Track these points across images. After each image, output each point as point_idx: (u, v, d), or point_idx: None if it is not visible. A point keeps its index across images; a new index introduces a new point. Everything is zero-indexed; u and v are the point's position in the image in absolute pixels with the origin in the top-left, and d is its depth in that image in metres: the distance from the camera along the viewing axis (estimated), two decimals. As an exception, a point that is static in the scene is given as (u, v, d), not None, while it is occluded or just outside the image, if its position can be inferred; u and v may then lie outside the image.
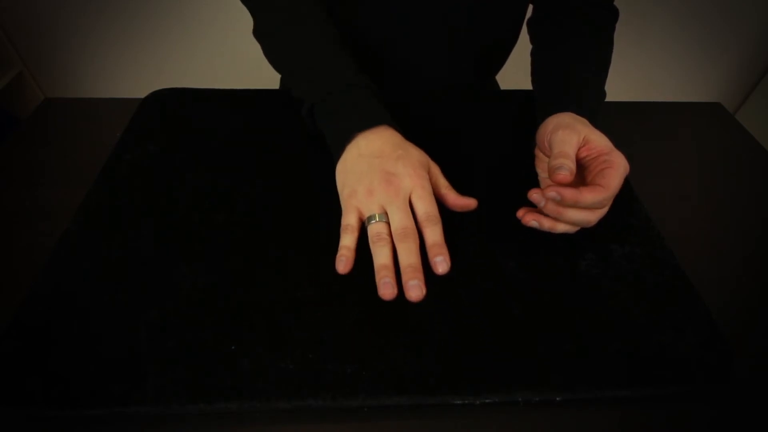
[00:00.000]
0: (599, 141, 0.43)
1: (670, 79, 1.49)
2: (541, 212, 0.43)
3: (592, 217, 0.42)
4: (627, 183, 0.52)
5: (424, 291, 0.38)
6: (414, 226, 0.40)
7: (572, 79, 0.51)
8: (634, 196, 0.51)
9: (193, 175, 0.50)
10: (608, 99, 0.54)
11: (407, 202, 0.41)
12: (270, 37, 0.54)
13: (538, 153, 0.50)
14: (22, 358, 0.34)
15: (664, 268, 0.43)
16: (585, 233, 0.44)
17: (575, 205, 0.41)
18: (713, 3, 1.31)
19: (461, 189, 0.44)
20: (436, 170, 0.45)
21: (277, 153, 0.53)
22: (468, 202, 0.44)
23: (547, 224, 0.43)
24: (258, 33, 0.55)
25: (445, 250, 0.40)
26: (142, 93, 0.62)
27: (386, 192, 0.41)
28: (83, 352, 0.35)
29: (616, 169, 0.41)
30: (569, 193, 0.40)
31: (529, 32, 0.63)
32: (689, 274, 0.43)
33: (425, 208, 0.41)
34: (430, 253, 0.40)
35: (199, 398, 0.33)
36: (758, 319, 0.43)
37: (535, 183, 0.50)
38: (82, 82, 1.41)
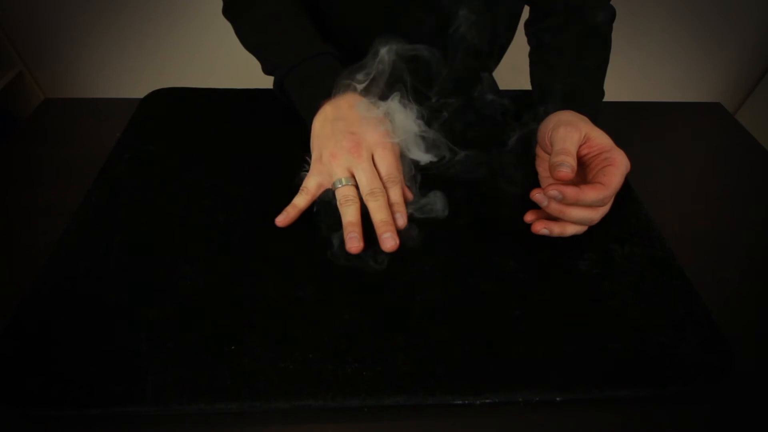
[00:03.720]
0: (600, 138, 0.43)
1: (670, 79, 1.49)
2: (547, 217, 0.44)
3: (594, 215, 0.42)
4: (627, 183, 0.52)
5: (397, 241, 0.41)
6: (380, 185, 0.43)
7: (571, 78, 0.51)
8: (634, 196, 0.51)
9: (192, 174, 0.50)
10: (608, 99, 0.54)
11: (371, 162, 0.43)
12: (238, 16, 0.55)
13: (539, 152, 0.50)
14: (22, 358, 0.34)
15: (664, 268, 0.43)
16: (585, 233, 0.44)
17: (577, 203, 0.41)
18: (713, 3, 1.31)
19: (461, 188, 0.44)
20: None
21: (277, 152, 0.53)
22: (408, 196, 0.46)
23: (557, 230, 0.43)
24: (227, 11, 0.56)
25: (403, 208, 0.43)
26: (142, 93, 0.62)
27: (350, 153, 0.43)
28: (83, 352, 0.35)
29: (617, 166, 0.41)
30: (571, 191, 0.40)
31: (527, 33, 0.63)
32: (689, 274, 0.43)
33: (386, 169, 0.44)
34: (391, 209, 0.43)
35: (199, 398, 0.33)
36: (758, 319, 0.43)
37: (535, 182, 0.50)
38: (82, 82, 1.41)
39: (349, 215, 0.42)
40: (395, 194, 0.44)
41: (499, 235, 0.45)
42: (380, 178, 0.43)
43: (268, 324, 0.37)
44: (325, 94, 0.47)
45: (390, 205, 0.43)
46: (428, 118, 0.48)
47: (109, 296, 0.38)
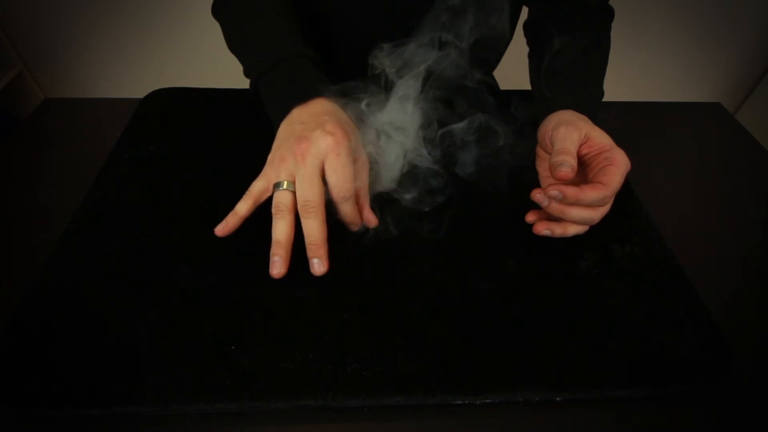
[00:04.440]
0: (600, 138, 0.43)
1: (670, 79, 1.49)
2: (549, 218, 0.44)
3: (595, 215, 0.42)
4: (627, 183, 0.52)
5: (325, 267, 0.39)
6: (317, 198, 0.39)
7: (571, 78, 0.51)
8: (634, 196, 0.51)
9: (192, 174, 0.50)
10: (608, 99, 0.54)
11: (316, 170, 0.39)
12: (220, 16, 0.54)
13: (540, 152, 0.50)
14: (22, 358, 0.34)
15: (664, 268, 0.43)
16: (585, 233, 0.44)
17: (577, 203, 0.41)
18: (713, 3, 1.31)
19: (460, 189, 0.44)
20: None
21: (277, 153, 0.52)
22: (368, 219, 0.44)
23: (558, 230, 0.43)
24: (214, 11, 0.56)
25: (357, 220, 0.42)
26: (142, 93, 0.62)
27: (294, 158, 0.40)
28: (83, 352, 0.35)
29: (617, 166, 0.41)
30: (571, 191, 0.40)
31: (526, 34, 0.63)
32: (689, 274, 0.43)
33: (336, 181, 0.39)
34: (344, 222, 0.42)
35: (199, 398, 0.33)
36: (758, 319, 0.43)
37: (535, 182, 0.50)
38: (82, 82, 1.41)
39: (278, 232, 0.39)
40: (346, 210, 0.41)
41: (499, 235, 0.45)
42: (331, 191, 0.40)
43: (268, 324, 0.37)
44: (294, 98, 0.45)
45: (341, 218, 0.41)
46: (427, 118, 0.48)
47: (109, 296, 0.38)
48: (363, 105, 0.46)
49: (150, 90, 0.62)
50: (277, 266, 0.39)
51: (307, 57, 0.48)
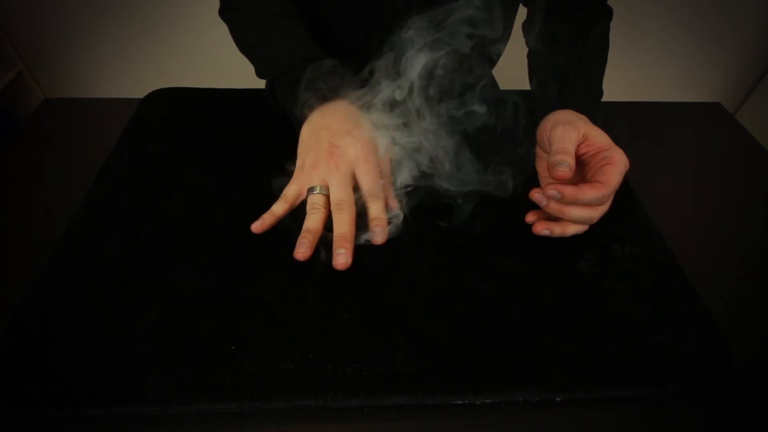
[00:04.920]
0: (599, 137, 0.43)
1: (670, 79, 1.49)
2: (548, 218, 0.44)
3: (594, 214, 0.42)
4: (627, 183, 0.52)
5: (349, 260, 0.40)
6: (350, 199, 0.42)
7: (570, 77, 0.51)
8: (634, 196, 0.51)
9: (192, 174, 0.50)
10: (608, 99, 0.54)
11: (349, 176, 0.43)
12: (233, 17, 0.55)
13: (539, 151, 0.50)
14: (22, 358, 0.34)
15: (664, 268, 0.43)
16: (585, 233, 0.44)
17: (576, 202, 0.41)
18: (713, 3, 1.31)
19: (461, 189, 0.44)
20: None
21: (278, 152, 0.52)
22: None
23: (558, 230, 0.43)
24: (223, 12, 0.56)
25: (383, 223, 0.42)
26: (142, 93, 0.62)
27: (328, 165, 0.43)
28: (83, 352, 0.35)
29: (615, 165, 0.41)
30: (569, 191, 0.40)
31: (525, 34, 0.63)
32: (689, 274, 0.43)
33: (368, 184, 0.43)
34: (371, 224, 0.42)
35: (199, 398, 0.33)
36: (758, 319, 0.43)
37: (535, 182, 0.50)
38: (82, 82, 1.41)
39: (310, 221, 0.42)
40: (376, 209, 0.43)
41: (499, 235, 0.45)
42: (363, 192, 0.43)
43: (268, 324, 0.37)
44: (314, 101, 0.46)
45: (370, 219, 0.43)
46: (426, 117, 0.48)
47: (109, 296, 0.38)
48: (367, 107, 0.46)
49: (150, 90, 0.62)
50: (304, 247, 0.40)
51: (324, 59, 0.49)
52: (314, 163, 0.43)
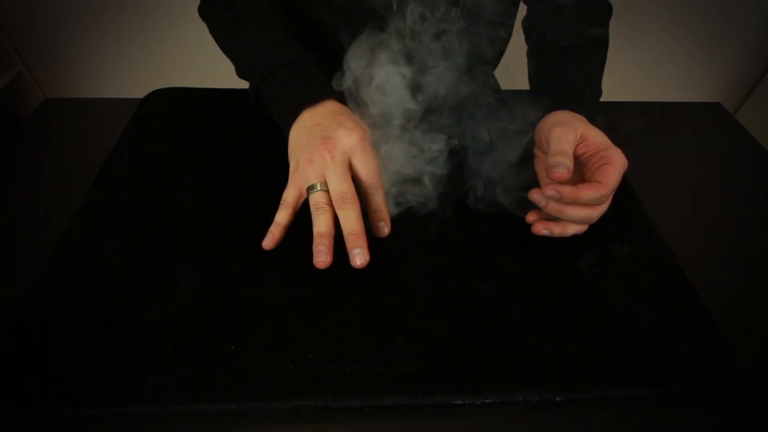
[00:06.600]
0: (597, 137, 0.43)
1: (670, 79, 1.49)
2: (547, 217, 0.44)
3: (593, 214, 0.42)
4: (626, 183, 0.52)
5: (367, 258, 0.38)
6: (352, 191, 0.40)
7: (569, 77, 0.51)
8: (634, 196, 0.51)
9: (192, 174, 0.50)
10: (608, 99, 0.54)
11: (345, 166, 0.40)
12: (212, 16, 0.54)
13: (537, 152, 0.50)
14: (22, 358, 0.34)
15: (664, 268, 0.43)
16: (585, 233, 0.44)
17: (575, 202, 0.41)
18: (713, 3, 1.31)
19: (461, 188, 0.44)
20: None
21: (278, 152, 0.52)
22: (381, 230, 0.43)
23: (557, 230, 0.43)
24: (202, 11, 0.55)
25: (386, 215, 0.41)
26: (142, 93, 0.62)
27: (323, 157, 0.40)
28: (83, 352, 0.35)
29: (614, 165, 0.41)
30: (568, 191, 0.40)
31: (525, 32, 0.63)
32: (689, 274, 0.43)
33: (367, 174, 0.41)
34: (373, 218, 0.41)
35: (199, 398, 0.33)
36: (758, 319, 0.43)
37: (534, 182, 0.49)
38: (82, 82, 1.41)
39: (319, 225, 0.39)
40: (377, 200, 0.41)
41: (499, 235, 0.45)
42: (362, 183, 0.41)
43: (268, 324, 0.37)
44: (302, 101, 0.45)
45: (371, 212, 0.41)
46: (426, 117, 0.48)
47: (109, 296, 0.38)
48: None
49: (150, 90, 0.62)
50: (323, 255, 0.38)
51: (310, 58, 0.48)
52: (308, 159, 0.41)
